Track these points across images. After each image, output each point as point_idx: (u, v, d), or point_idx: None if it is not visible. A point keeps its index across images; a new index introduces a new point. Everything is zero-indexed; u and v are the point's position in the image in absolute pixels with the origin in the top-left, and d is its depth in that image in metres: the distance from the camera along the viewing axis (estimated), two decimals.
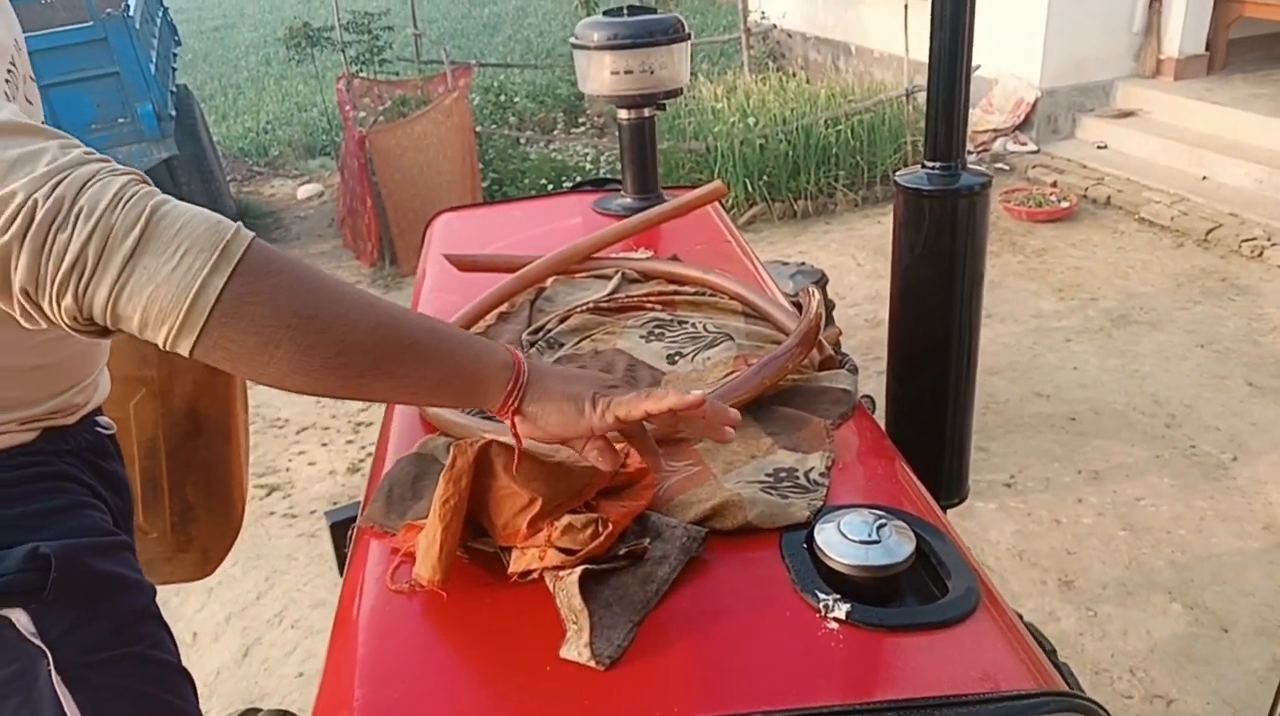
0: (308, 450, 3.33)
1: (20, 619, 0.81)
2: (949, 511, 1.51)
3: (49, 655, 0.81)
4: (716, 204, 1.75)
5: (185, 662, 0.95)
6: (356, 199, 5.29)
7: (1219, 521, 2.50)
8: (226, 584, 2.53)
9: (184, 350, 0.62)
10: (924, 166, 1.30)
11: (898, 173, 1.33)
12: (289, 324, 0.63)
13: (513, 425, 0.75)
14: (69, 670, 0.82)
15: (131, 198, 0.62)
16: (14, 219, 0.60)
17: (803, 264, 3.14)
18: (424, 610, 0.78)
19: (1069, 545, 2.45)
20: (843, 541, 0.77)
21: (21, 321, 0.65)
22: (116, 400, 1.13)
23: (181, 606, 2.47)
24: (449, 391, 0.73)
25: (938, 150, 1.29)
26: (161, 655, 0.93)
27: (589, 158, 5.86)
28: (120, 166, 0.66)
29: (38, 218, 0.60)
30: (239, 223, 0.64)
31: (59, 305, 0.62)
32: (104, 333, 0.65)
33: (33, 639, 0.81)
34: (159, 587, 0.98)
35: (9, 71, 0.84)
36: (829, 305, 3.06)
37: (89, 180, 0.62)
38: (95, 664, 0.84)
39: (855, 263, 4.52)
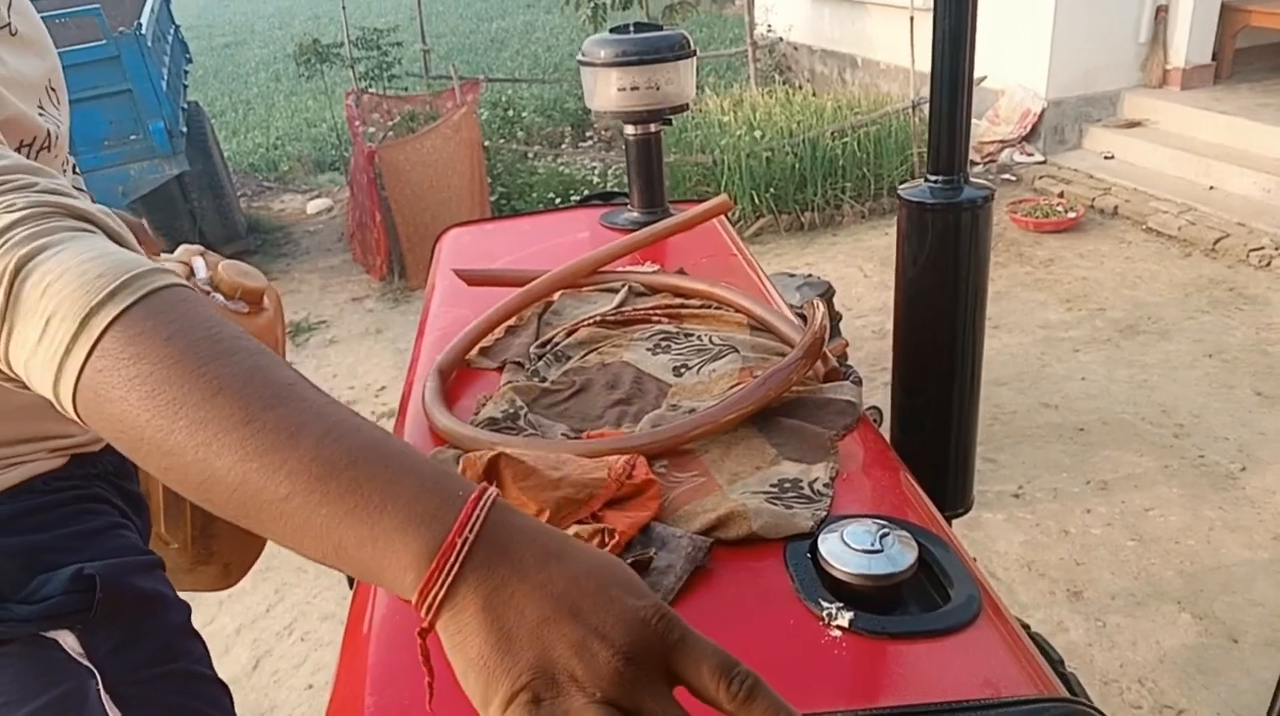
0: None
1: (67, 640, 0.82)
2: (954, 521, 1.52)
3: (98, 675, 0.82)
4: (723, 217, 1.77)
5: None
6: (365, 213, 5.33)
7: (1228, 532, 2.49)
8: (236, 596, 2.55)
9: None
10: (926, 180, 1.32)
11: (901, 186, 1.35)
12: (141, 436, 0.46)
13: (420, 642, 0.48)
14: (118, 689, 0.83)
15: (1, 248, 0.49)
16: None
17: (809, 276, 3.15)
18: None
19: (1077, 555, 2.45)
20: (846, 551, 0.79)
21: None
22: None
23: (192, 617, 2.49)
24: (350, 572, 0.47)
25: (940, 163, 1.30)
26: (203, 670, 0.95)
27: (596, 171, 5.89)
28: (34, 195, 0.53)
29: None
30: (135, 272, 0.49)
31: None
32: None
33: (80, 659, 0.82)
34: None
35: (40, 112, 0.84)
36: (835, 317, 3.08)
37: None
38: (143, 681, 0.86)
39: (862, 274, 4.53)
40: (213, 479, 0.45)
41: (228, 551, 1.42)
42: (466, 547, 0.43)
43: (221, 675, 1.01)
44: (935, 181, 1.30)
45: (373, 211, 5.15)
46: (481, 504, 0.45)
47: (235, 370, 0.46)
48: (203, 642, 0.97)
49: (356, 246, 5.66)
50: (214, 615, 2.51)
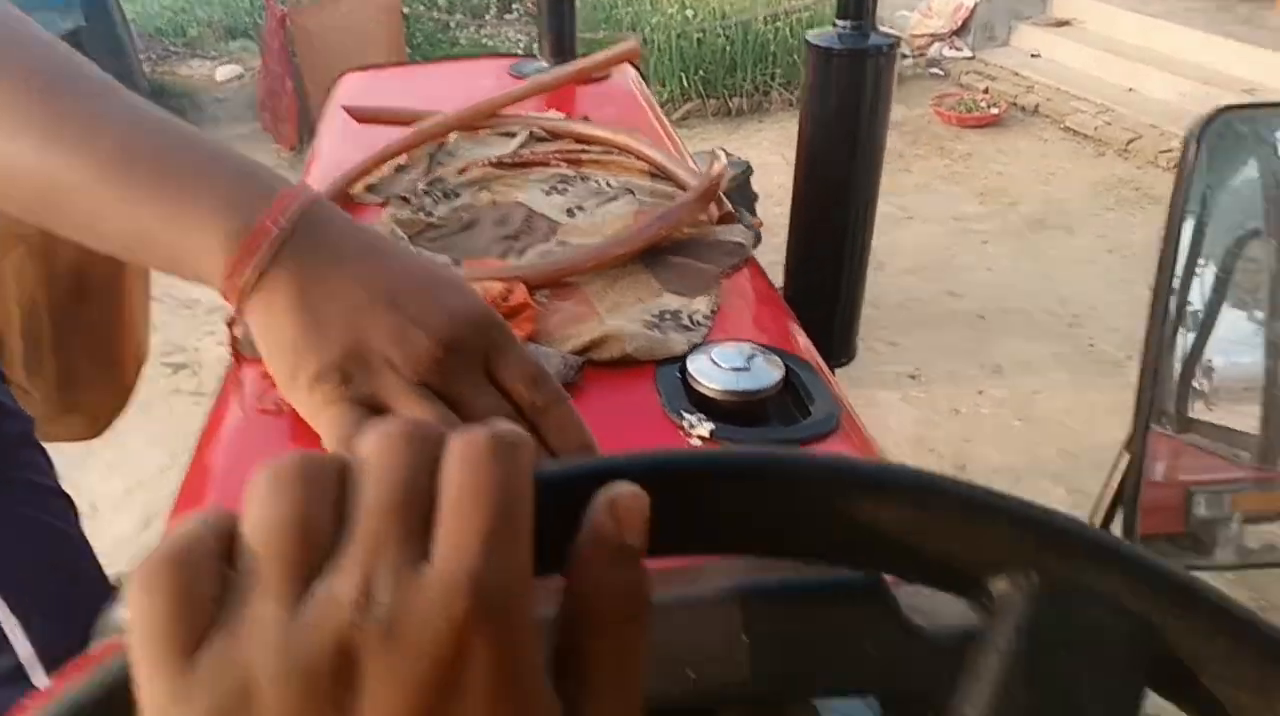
0: (216, 330, 3.26)
1: None
2: (838, 370, 1.55)
3: None
4: (637, 76, 1.72)
5: (85, 533, 0.95)
6: (276, 81, 5.07)
7: (1109, 415, 2.61)
8: (128, 458, 2.49)
9: None
10: (835, 25, 1.29)
11: (808, 32, 1.32)
12: None
13: (228, 332, 0.46)
14: None
15: None
16: None
17: (730, 156, 3.12)
18: (291, 427, 0.77)
19: (966, 433, 2.55)
20: (714, 368, 0.79)
21: None
22: None
23: (82, 478, 2.42)
24: (151, 261, 0.44)
25: (849, 9, 1.27)
26: (44, 480, 0.93)
27: (521, 44, 5.69)
28: None
29: None
30: None
31: None
32: None
33: None
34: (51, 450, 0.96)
35: None
36: (752, 197, 3.07)
37: None
38: None
39: (785, 162, 4.48)
40: (10, 168, 0.42)
41: (92, 401, 1.38)
42: (280, 233, 0.40)
43: (110, 533, 0.99)
44: (843, 27, 1.27)
45: (284, 78, 4.90)
46: (301, 193, 0.42)
47: (43, 65, 0.43)
48: (45, 454, 0.94)
49: (267, 115, 5.41)
50: (105, 476, 2.45)
